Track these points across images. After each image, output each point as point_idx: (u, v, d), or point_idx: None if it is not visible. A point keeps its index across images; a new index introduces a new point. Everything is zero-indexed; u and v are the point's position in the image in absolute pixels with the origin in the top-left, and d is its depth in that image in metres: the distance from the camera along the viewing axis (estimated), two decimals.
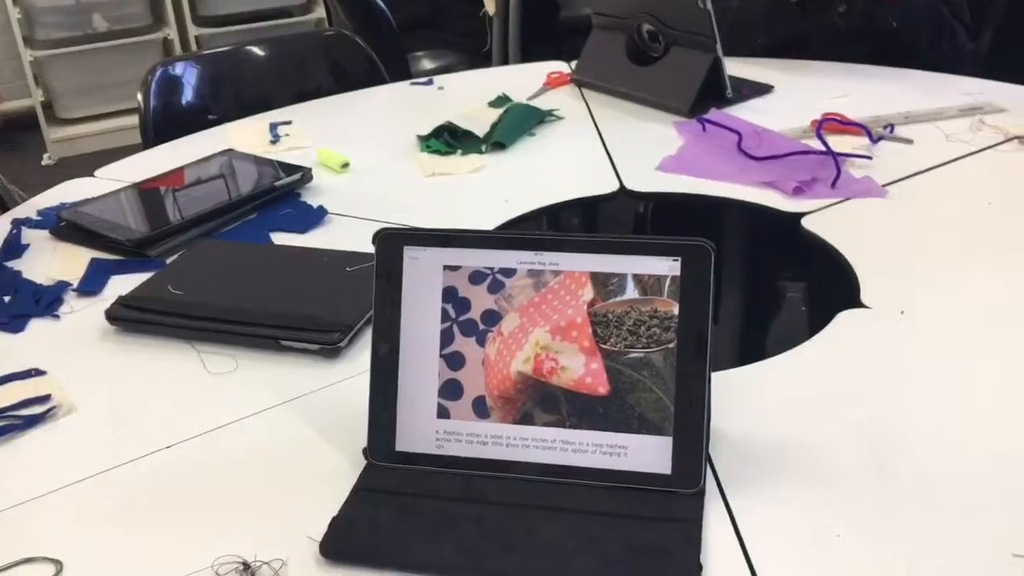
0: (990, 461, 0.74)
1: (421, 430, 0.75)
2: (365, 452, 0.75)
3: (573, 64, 1.71)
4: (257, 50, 1.76)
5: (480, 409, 0.74)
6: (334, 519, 0.70)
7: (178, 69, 1.65)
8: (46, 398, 0.86)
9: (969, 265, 1.02)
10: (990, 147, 1.29)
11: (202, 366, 0.91)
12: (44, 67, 3.49)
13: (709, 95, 1.46)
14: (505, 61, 2.86)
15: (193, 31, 3.57)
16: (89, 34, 3.48)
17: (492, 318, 0.74)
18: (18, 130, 3.61)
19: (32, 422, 0.83)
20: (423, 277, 0.75)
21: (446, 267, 0.75)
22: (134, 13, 3.55)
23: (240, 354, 0.92)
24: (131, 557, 0.68)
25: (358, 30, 2.56)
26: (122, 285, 1.05)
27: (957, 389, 0.83)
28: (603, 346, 0.72)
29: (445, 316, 0.75)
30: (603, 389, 0.72)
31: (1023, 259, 1.03)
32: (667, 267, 0.72)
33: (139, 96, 1.60)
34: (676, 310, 0.71)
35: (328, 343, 0.90)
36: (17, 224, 1.20)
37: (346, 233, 1.17)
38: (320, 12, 3.76)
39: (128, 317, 0.97)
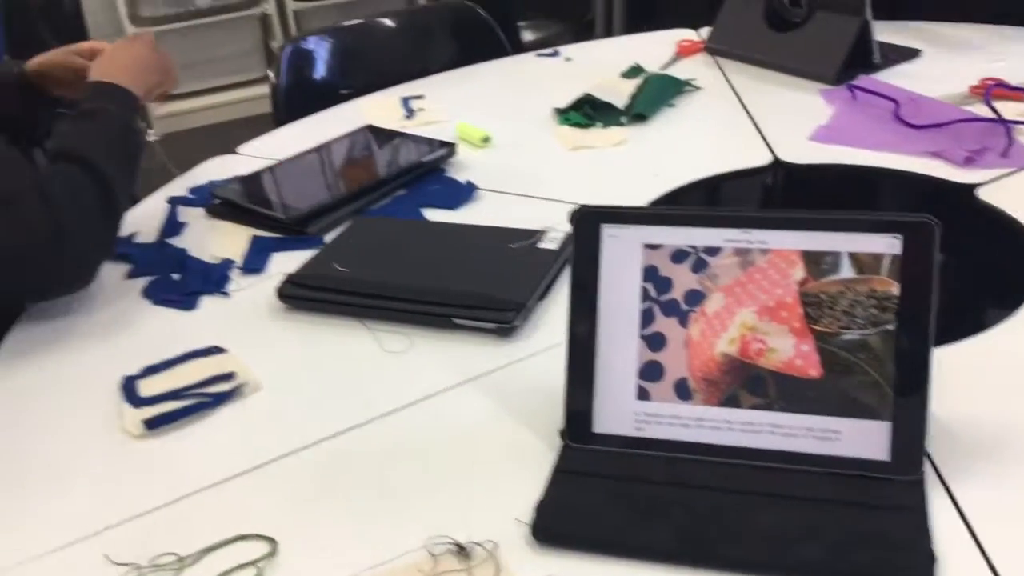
0: None
1: (620, 412, 0.73)
2: (562, 433, 0.74)
3: (703, 31, 1.67)
4: (384, 23, 1.76)
5: (682, 391, 0.72)
6: (540, 502, 0.69)
7: (309, 44, 1.66)
8: (231, 375, 0.87)
9: None
10: None
11: (377, 344, 0.91)
12: None
13: (855, 61, 1.40)
14: (609, 29, 2.82)
15: (292, 5, 3.60)
16: (191, 11, 3.53)
17: (695, 298, 0.73)
18: None
19: (222, 399, 0.85)
20: (622, 256, 0.74)
21: (646, 246, 0.73)
22: None
23: (413, 332, 0.92)
24: (343, 535, 0.69)
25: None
26: (283, 262, 1.06)
27: None
28: (815, 327, 0.70)
29: (645, 296, 0.73)
30: (815, 371, 0.70)
31: None
32: (886, 245, 0.69)
33: (270, 72, 1.61)
34: (896, 290, 0.68)
35: (503, 322, 0.90)
36: (173, 202, 1.22)
37: (496, 208, 1.16)
38: None
39: (299, 295, 0.97)
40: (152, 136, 3.56)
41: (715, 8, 1.63)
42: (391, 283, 0.95)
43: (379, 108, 1.49)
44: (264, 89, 3.74)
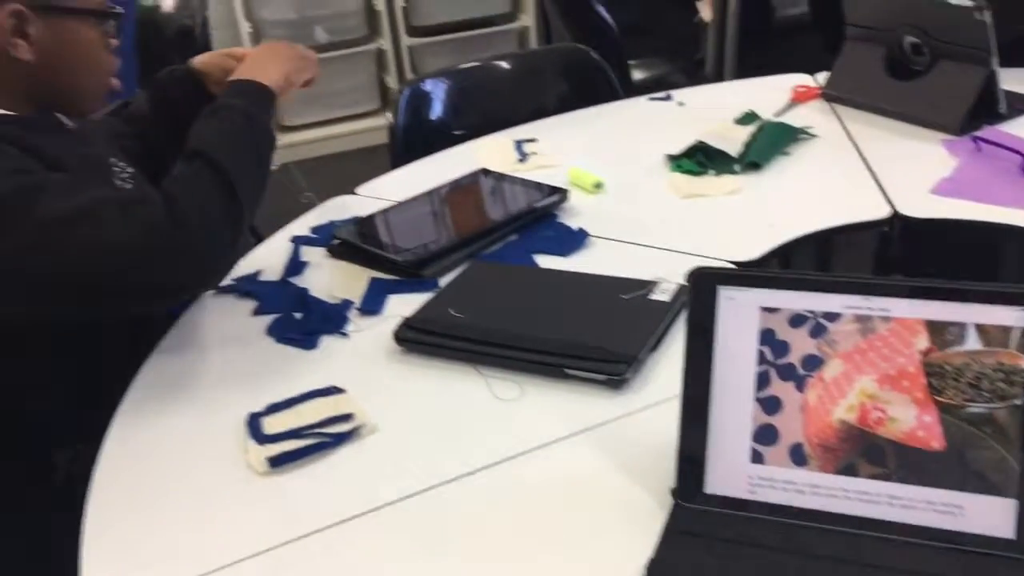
0: None
1: (733, 473, 0.73)
2: (674, 492, 0.75)
3: (820, 77, 1.65)
4: (499, 65, 1.80)
5: (797, 456, 0.72)
6: (652, 562, 0.69)
7: (426, 86, 1.71)
8: (349, 416, 0.91)
9: None
10: None
11: (489, 391, 0.93)
12: None
13: (980, 111, 1.37)
14: (720, 68, 2.81)
15: (406, 41, 3.70)
16: (311, 46, 3.65)
17: (813, 363, 0.72)
18: None
19: (341, 440, 0.88)
20: (739, 318, 0.74)
21: (764, 308, 0.73)
22: (352, 25, 3.71)
23: (524, 380, 0.94)
24: None
25: (578, 40, 2.58)
26: (400, 304, 1.10)
27: None
28: (938, 398, 0.68)
29: (762, 359, 0.73)
30: (937, 444, 0.68)
31: None
32: (1015, 318, 0.67)
33: (388, 113, 1.67)
34: None
35: (615, 374, 0.90)
36: (296, 241, 1.28)
37: (607, 256, 1.17)
38: (525, 20, 3.80)
39: (415, 339, 1.00)
40: (272, 166, 3.70)
41: (832, 52, 1.62)
42: (504, 331, 0.97)
43: (492, 150, 1.53)
44: (377, 122, 3.88)
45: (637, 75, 2.73)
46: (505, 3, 3.80)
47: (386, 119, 1.64)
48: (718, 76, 2.77)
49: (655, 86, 2.67)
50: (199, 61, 1.30)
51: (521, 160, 1.48)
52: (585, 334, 0.95)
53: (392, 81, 3.77)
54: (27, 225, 0.89)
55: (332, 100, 3.78)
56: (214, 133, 1.03)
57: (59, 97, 1.07)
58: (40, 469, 1.13)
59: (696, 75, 2.79)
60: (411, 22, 3.73)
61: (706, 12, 2.72)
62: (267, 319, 1.10)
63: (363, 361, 1.01)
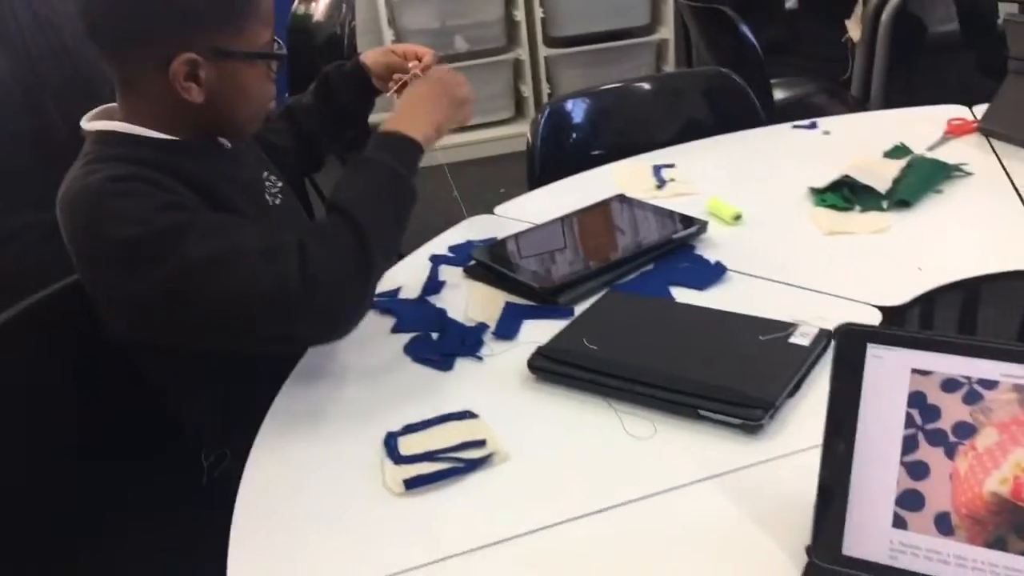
0: None
1: (873, 537, 0.71)
2: (809, 550, 0.73)
3: (977, 110, 1.58)
4: (639, 87, 1.80)
5: (943, 525, 0.69)
6: None
7: (567, 105, 1.72)
8: (482, 443, 0.92)
9: None
10: None
11: (621, 427, 0.93)
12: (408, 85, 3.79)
13: None
14: (867, 88, 2.72)
15: (543, 52, 3.73)
16: (450, 55, 3.74)
17: (965, 431, 0.69)
18: None
19: (473, 466, 0.90)
20: (887, 378, 0.72)
21: (914, 371, 0.71)
22: (490, 35, 3.77)
23: (657, 418, 0.94)
24: None
25: (719, 57, 2.55)
26: (534, 330, 1.11)
27: None
28: None
29: (910, 422, 0.71)
30: None
31: None
32: None
33: (528, 135, 1.69)
34: None
35: (750, 419, 0.89)
36: (435, 260, 1.31)
37: (745, 292, 1.15)
38: (663, 33, 3.78)
39: (548, 369, 1.01)
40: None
41: (984, 73, 1.55)
42: (639, 366, 0.97)
43: (630, 175, 1.53)
44: (510, 130, 3.92)
45: (779, 94, 2.67)
46: (644, 15, 3.79)
47: (521, 129, 1.65)
48: (864, 96, 2.68)
49: (797, 106, 2.62)
50: (367, 57, 1.36)
51: (659, 186, 1.48)
52: (721, 375, 0.94)
53: (527, 90, 3.81)
54: (173, 263, 0.95)
55: None
56: (358, 190, 1.04)
57: (220, 125, 1.12)
58: (189, 467, 1.20)
59: (841, 95, 2.71)
60: (549, 33, 3.76)
61: (855, 31, 2.63)
62: (404, 337, 1.13)
63: (496, 386, 1.03)
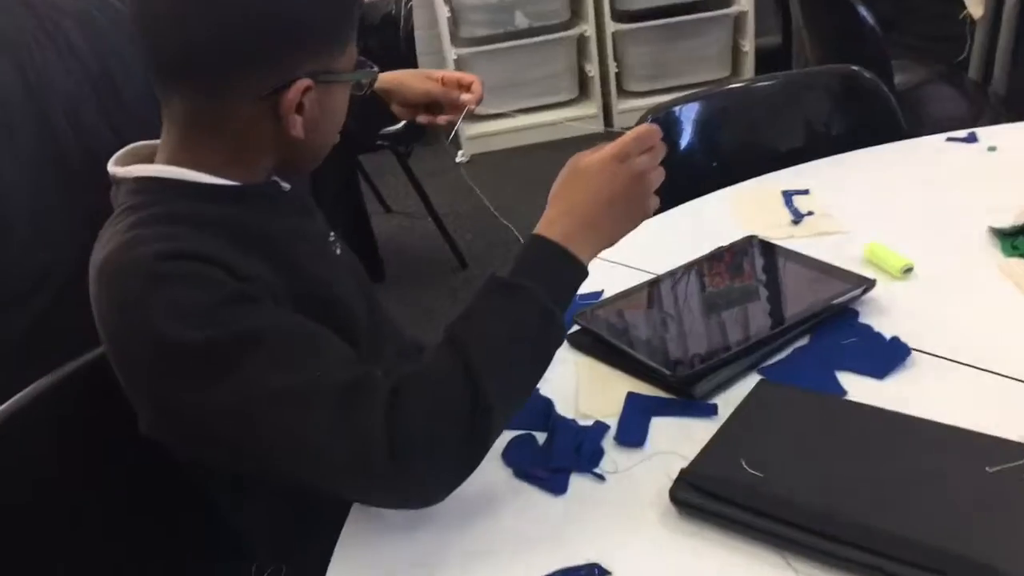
0: None
1: None
2: None
3: None
4: (757, 88, 1.53)
5: None
6: None
7: (676, 112, 1.45)
8: None
9: None
10: None
11: None
12: (465, 64, 3.53)
13: None
14: (988, 72, 2.41)
15: (611, 27, 3.44)
16: (510, 31, 3.47)
17: None
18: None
19: None
20: None
21: None
22: (553, 9, 3.48)
23: None
24: None
25: (825, 40, 2.26)
26: (665, 431, 0.87)
27: None
28: None
29: None
30: None
31: None
32: None
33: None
34: None
35: None
36: None
37: (939, 385, 0.89)
38: (742, 4, 3.46)
39: (699, 505, 0.77)
40: (461, 158, 3.55)
41: None
42: (821, 510, 0.72)
43: (755, 204, 1.27)
44: (574, 111, 3.64)
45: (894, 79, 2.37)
46: None
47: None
48: (985, 80, 2.38)
49: (915, 92, 2.31)
50: (391, 78, 1.13)
51: (795, 221, 1.21)
52: (935, 529, 0.69)
53: (592, 69, 3.52)
54: (231, 383, 0.73)
55: (526, 88, 3.58)
56: (495, 334, 0.77)
57: (296, 163, 0.90)
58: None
59: (956, 80, 2.40)
60: (616, 6, 3.47)
61: (976, 8, 2.32)
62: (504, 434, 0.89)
63: (627, 522, 0.79)
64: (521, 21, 3.46)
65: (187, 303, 0.76)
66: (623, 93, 3.65)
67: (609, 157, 0.83)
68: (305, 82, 0.81)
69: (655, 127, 0.86)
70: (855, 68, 1.49)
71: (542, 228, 0.83)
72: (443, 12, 3.40)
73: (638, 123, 1.06)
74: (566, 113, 3.65)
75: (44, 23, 1.17)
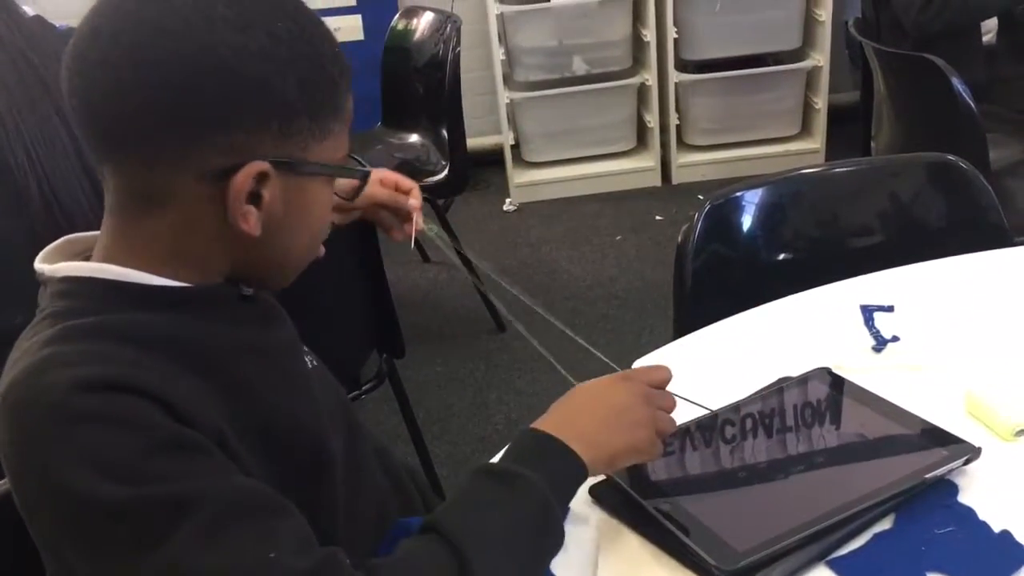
0: None
1: None
2: None
3: None
4: (833, 174, 1.33)
5: None
6: None
7: (734, 199, 1.25)
8: None
9: None
10: None
11: None
12: (518, 109, 3.38)
13: None
14: None
15: (674, 77, 3.25)
16: (566, 77, 3.29)
17: None
18: (483, 167, 3.53)
19: None
20: None
21: None
22: (614, 56, 3.30)
23: None
24: None
25: (908, 107, 2.05)
26: None
27: None
28: None
29: None
30: None
31: None
32: None
33: (679, 240, 1.23)
34: None
35: None
36: None
37: None
38: (817, 58, 3.25)
39: None
40: (509, 206, 3.38)
41: None
42: None
43: (830, 320, 1.06)
44: (631, 163, 3.45)
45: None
46: (794, 38, 3.26)
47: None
48: None
49: (1003, 172, 2.08)
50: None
51: (878, 348, 1.01)
52: None
53: (652, 119, 3.34)
54: (156, 559, 0.59)
55: (582, 137, 3.40)
56: (490, 526, 0.67)
57: (255, 270, 0.75)
58: None
59: None
60: (681, 55, 3.28)
61: None
62: None
63: None
64: (579, 67, 3.29)
65: (108, 450, 0.61)
66: (683, 146, 3.45)
67: (615, 375, 0.82)
68: (259, 165, 0.66)
69: (666, 367, 0.83)
70: (951, 158, 1.28)
71: (541, 426, 0.73)
72: (498, 54, 3.25)
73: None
74: (622, 165, 3.47)
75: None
